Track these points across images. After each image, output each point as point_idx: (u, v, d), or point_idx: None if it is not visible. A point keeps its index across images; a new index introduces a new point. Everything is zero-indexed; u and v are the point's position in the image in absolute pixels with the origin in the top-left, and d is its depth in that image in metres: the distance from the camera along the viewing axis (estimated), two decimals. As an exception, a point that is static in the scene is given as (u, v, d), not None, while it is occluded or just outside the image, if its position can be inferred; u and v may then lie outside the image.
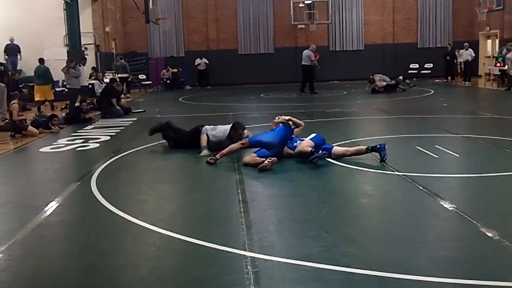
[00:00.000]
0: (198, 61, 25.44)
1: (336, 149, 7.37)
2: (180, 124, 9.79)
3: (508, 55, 18.74)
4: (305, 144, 7.27)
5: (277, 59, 26.66)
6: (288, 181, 6.52)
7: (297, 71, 26.41)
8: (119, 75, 21.13)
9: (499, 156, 7.63)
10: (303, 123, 7.93)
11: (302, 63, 19.77)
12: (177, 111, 15.65)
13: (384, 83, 18.67)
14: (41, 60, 16.80)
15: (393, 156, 7.37)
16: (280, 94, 20.50)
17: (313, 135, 7.54)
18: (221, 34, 26.86)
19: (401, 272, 3.62)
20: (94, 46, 21.94)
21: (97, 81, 18.11)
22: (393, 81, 18.97)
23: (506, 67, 19.07)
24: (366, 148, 7.14)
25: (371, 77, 19.04)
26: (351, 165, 7.01)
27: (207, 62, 25.43)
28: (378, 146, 7.04)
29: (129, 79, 22.14)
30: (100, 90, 16.35)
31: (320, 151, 7.09)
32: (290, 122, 7.72)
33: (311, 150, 7.05)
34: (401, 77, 19.55)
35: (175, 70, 24.97)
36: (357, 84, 22.30)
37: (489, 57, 25.21)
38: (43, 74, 16.42)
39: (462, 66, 23.38)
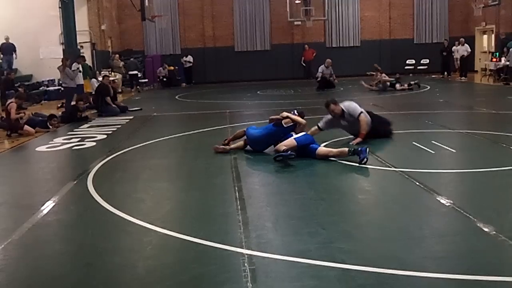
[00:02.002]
0: (184, 58, 25.35)
1: (321, 149, 7.22)
2: (178, 121, 9.76)
3: None
4: (286, 143, 7.17)
5: (273, 56, 26.63)
6: (285, 178, 6.52)
7: (293, 67, 26.56)
8: (131, 72, 22.64)
9: (495, 151, 7.64)
10: (303, 121, 7.71)
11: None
12: (174, 109, 15.64)
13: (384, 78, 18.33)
14: (83, 58, 18.26)
15: (389, 152, 7.39)
16: (276, 91, 20.48)
17: (300, 134, 7.39)
18: (218, 31, 26.81)
19: (397, 267, 3.62)
20: (90, 44, 21.88)
21: (94, 80, 18.07)
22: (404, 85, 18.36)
23: (509, 62, 19.01)
24: (349, 150, 6.96)
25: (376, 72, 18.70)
26: (347, 161, 7.00)
27: (191, 60, 25.31)
28: (359, 149, 6.80)
29: (139, 75, 23.45)
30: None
31: (289, 151, 6.88)
32: (286, 120, 7.65)
33: (283, 150, 6.93)
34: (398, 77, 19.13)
35: (172, 68, 24.93)
36: (354, 80, 22.25)
37: (485, 52, 25.23)
38: (85, 71, 17.56)
39: (458, 61, 23.34)
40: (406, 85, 18.21)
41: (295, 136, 7.35)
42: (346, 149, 7.03)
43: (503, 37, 22.82)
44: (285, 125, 7.64)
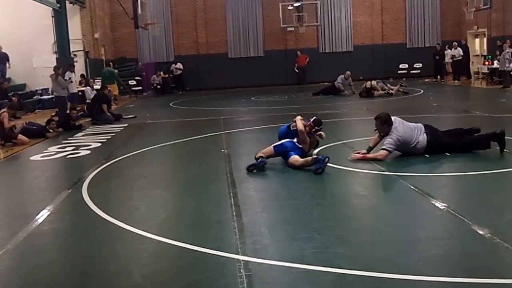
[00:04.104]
0: (172, 66, 25.27)
1: (291, 158, 7.09)
2: (172, 129, 9.74)
3: (504, 52, 18.80)
4: (264, 149, 7.30)
5: (267, 62, 26.68)
6: (280, 184, 6.52)
7: (287, 73, 26.62)
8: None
9: (489, 154, 7.66)
10: (299, 127, 7.46)
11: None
12: (168, 116, 15.62)
13: (383, 92, 17.93)
14: (109, 64, 21.96)
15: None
16: (270, 97, 20.51)
17: (279, 142, 7.43)
18: (211, 38, 26.85)
19: (393, 271, 3.63)
20: (83, 53, 21.87)
21: (88, 88, 18.05)
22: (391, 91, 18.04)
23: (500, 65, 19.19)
24: (312, 158, 6.85)
25: (368, 87, 18.15)
26: (342, 166, 7.02)
27: (181, 67, 25.20)
28: (318, 158, 6.73)
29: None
30: (92, 96, 16.32)
31: (259, 159, 7.02)
32: (293, 124, 7.67)
33: (258, 157, 7.09)
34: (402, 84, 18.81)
35: (167, 75, 24.95)
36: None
37: (477, 55, 25.37)
38: (111, 75, 20.46)
39: (449, 65, 23.57)
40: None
41: (276, 143, 7.41)
42: (310, 158, 6.92)
43: (464, 42, 23.55)
44: (291, 128, 7.70)
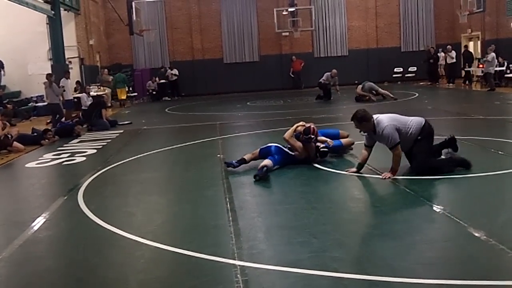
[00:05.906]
0: (168, 72, 25.28)
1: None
2: (168, 134, 9.71)
3: (488, 57, 19.00)
4: (253, 151, 7.64)
5: (262, 67, 26.72)
6: (276, 188, 6.53)
7: (282, 78, 26.67)
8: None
9: (484, 156, 7.70)
10: (284, 135, 7.63)
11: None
12: (164, 122, 15.61)
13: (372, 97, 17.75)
14: (120, 70, 23.65)
15: (379, 160, 7.39)
16: (266, 101, 20.52)
17: (267, 145, 7.58)
18: (206, 43, 26.88)
19: (390, 274, 3.64)
20: (78, 60, 21.86)
21: (84, 94, 18.02)
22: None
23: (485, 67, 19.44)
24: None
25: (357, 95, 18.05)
26: (337, 170, 7.03)
27: (177, 73, 25.20)
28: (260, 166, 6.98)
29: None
30: (89, 103, 16.31)
31: (234, 161, 7.44)
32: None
33: (240, 158, 7.47)
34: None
35: (163, 81, 24.95)
36: (342, 90, 22.37)
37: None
38: (122, 80, 22.29)
39: (442, 68, 23.74)
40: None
41: (263, 146, 7.62)
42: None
43: (428, 47, 24.02)
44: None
